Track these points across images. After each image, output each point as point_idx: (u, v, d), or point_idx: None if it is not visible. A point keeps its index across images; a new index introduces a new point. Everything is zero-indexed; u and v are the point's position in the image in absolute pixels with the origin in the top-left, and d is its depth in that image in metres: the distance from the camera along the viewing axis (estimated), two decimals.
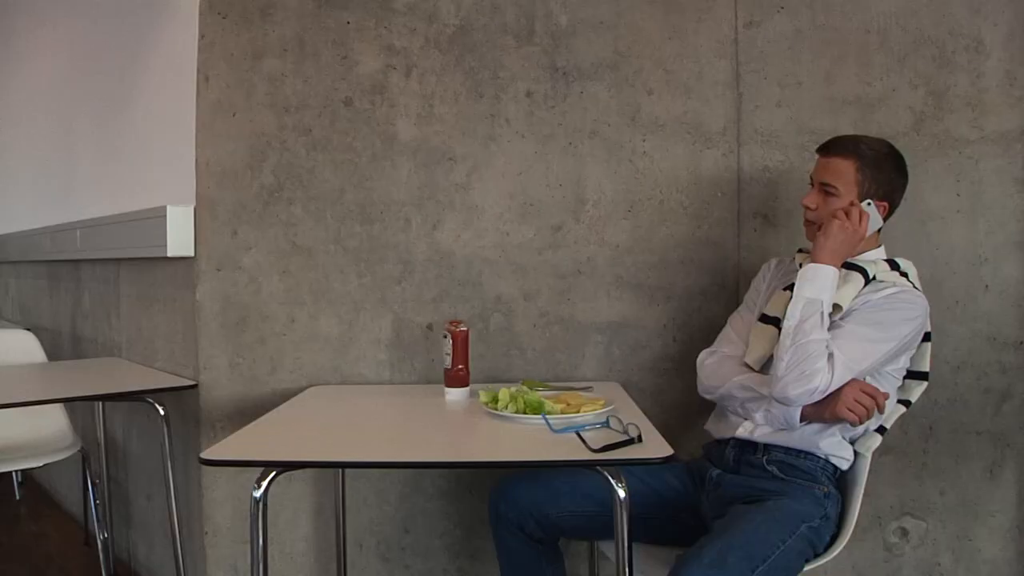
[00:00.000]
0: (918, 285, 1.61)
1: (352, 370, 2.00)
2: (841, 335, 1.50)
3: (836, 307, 1.54)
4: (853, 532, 1.52)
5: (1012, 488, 2.01)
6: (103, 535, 2.40)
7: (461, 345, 1.75)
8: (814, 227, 1.61)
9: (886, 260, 1.62)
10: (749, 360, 1.62)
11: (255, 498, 1.22)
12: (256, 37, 1.97)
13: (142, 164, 2.42)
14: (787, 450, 1.56)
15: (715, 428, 1.70)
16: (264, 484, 1.22)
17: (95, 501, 2.42)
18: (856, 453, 1.59)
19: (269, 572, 1.28)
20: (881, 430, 1.62)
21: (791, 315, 1.50)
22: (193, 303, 1.98)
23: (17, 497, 3.29)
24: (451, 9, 1.99)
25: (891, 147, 1.63)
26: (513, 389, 1.55)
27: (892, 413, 1.63)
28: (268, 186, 1.98)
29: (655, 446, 1.26)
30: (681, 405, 1.96)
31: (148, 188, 2.33)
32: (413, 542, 2.02)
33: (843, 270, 1.57)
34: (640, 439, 1.27)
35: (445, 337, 1.75)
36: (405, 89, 1.99)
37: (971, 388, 2.00)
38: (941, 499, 2.02)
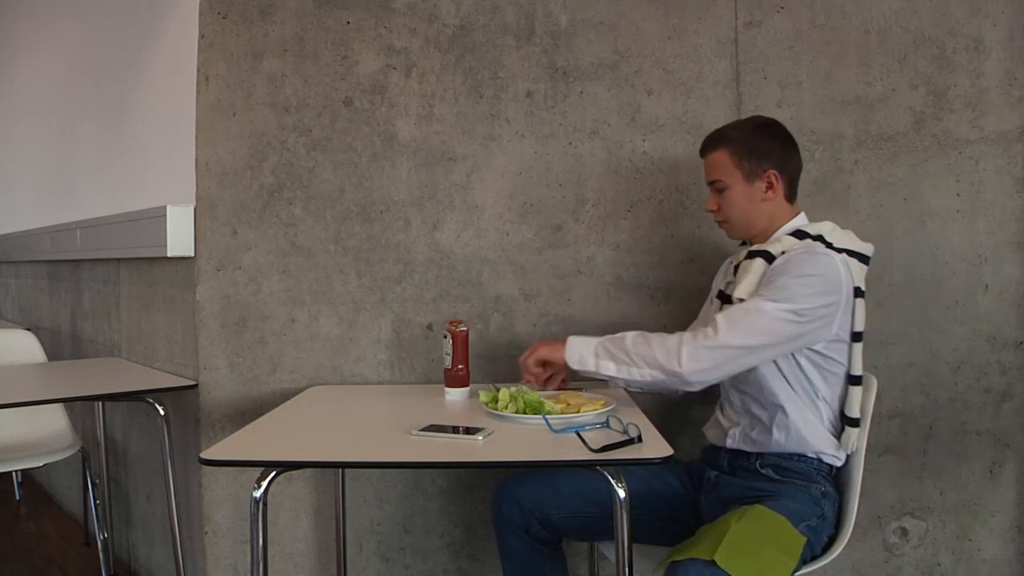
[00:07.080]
0: (834, 242, 1.53)
1: (352, 370, 2.00)
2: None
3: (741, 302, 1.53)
4: (853, 532, 1.51)
5: (1012, 488, 2.01)
6: (103, 535, 2.40)
7: (461, 345, 1.75)
8: (728, 224, 1.65)
9: (793, 233, 1.58)
10: None
11: (255, 498, 1.22)
12: (256, 37, 1.97)
13: (142, 164, 2.42)
14: (779, 454, 1.55)
15: (710, 433, 1.71)
16: (264, 484, 1.22)
17: (95, 501, 2.43)
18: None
19: (269, 572, 1.28)
20: (853, 422, 1.53)
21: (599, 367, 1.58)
22: (193, 303, 1.98)
23: (17, 497, 3.29)
24: (451, 9, 1.99)
25: (762, 120, 1.65)
26: (513, 389, 1.55)
27: (851, 396, 1.53)
28: (268, 186, 1.98)
29: (655, 446, 1.26)
30: (681, 405, 1.95)
31: (148, 188, 2.33)
32: (413, 542, 2.02)
33: (744, 261, 1.59)
34: (640, 439, 1.27)
35: (445, 337, 1.75)
36: (405, 89, 1.99)
37: (971, 388, 2.00)
38: (941, 499, 2.02)
